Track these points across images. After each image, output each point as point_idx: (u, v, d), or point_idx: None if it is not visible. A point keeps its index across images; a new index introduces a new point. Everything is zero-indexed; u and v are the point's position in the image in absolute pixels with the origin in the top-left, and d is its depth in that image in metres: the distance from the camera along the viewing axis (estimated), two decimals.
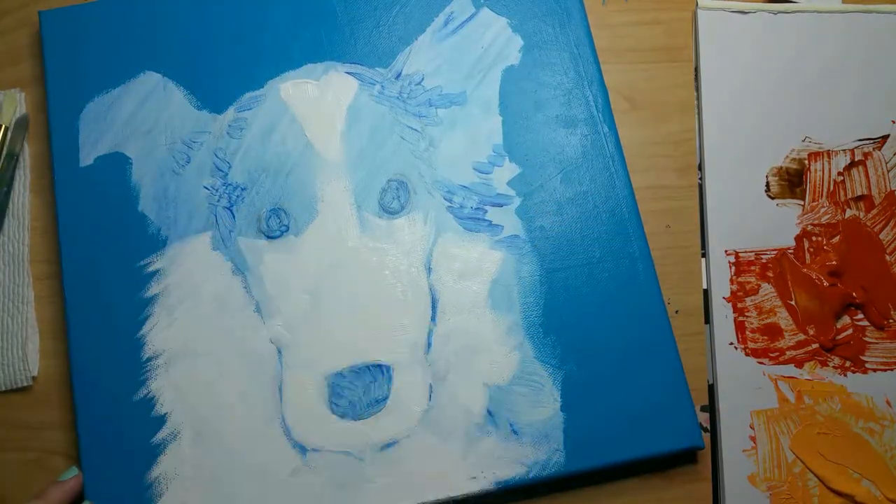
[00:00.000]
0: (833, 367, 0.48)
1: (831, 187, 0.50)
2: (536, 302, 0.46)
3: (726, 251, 0.49)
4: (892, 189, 0.50)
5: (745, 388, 0.47)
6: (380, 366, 0.44)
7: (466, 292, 0.46)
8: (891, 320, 0.49)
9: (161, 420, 0.44)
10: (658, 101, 0.52)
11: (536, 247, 0.47)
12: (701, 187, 0.51)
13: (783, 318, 0.48)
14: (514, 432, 0.44)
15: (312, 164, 0.48)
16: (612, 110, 0.49)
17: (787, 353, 0.48)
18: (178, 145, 0.48)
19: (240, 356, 0.45)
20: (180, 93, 0.49)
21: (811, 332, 0.48)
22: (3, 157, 0.50)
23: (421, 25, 0.50)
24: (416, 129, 0.49)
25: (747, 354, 0.48)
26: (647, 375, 0.45)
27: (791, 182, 0.50)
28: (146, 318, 0.46)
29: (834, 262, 0.49)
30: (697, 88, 0.52)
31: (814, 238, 0.50)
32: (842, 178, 0.51)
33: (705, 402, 0.48)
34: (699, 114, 0.52)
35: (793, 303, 0.49)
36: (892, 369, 0.48)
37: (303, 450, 0.44)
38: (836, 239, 0.50)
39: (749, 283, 0.49)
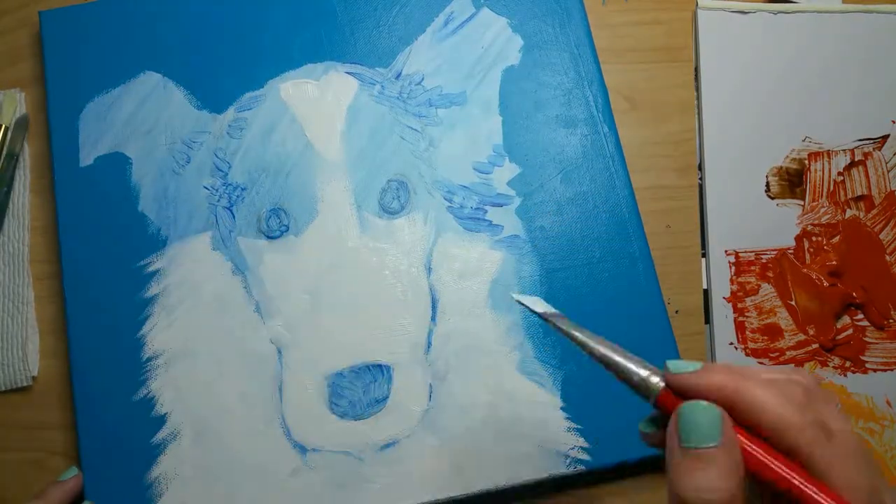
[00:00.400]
0: (833, 367, 0.48)
1: (831, 187, 0.50)
2: None
3: (726, 251, 0.49)
4: (893, 189, 0.50)
5: None
6: (380, 366, 0.44)
7: (466, 292, 0.46)
8: (891, 320, 0.49)
9: (161, 420, 0.44)
10: (658, 101, 0.52)
11: (536, 247, 0.47)
12: (701, 187, 0.51)
13: (783, 319, 0.48)
14: (514, 433, 0.44)
15: (312, 164, 0.48)
16: (613, 110, 0.49)
17: (788, 353, 0.48)
18: (178, 145, 0.48)
19: (240, 356, 0.45)
20: (180, 93, 0.49)
21: (811, 332, 0.48)
22: (2, 157, 0.50)
23: (421, 25, 0.50)
24: (416, 129, 0.49)
25: (747, 355, 0.48)
26: None
27: (791, 182, 0.50)
28: (146, 318, 0.46)
29: (834, 263, 0.49)
30: (697, 88, 0.52)
31: (814, 238, 0.50)
32: (842, 178, 0.51)
33: None
34: (699, 114, 0.52)
35: (793, 303, 0.49)
36: (892, 369, 0.48)
37: (303, 450, 0.44)
38: (837, 239, 0.50)
39: (749, 283, 0.49)
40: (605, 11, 0.54)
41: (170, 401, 0.44)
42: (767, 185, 0.50)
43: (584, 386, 0.44)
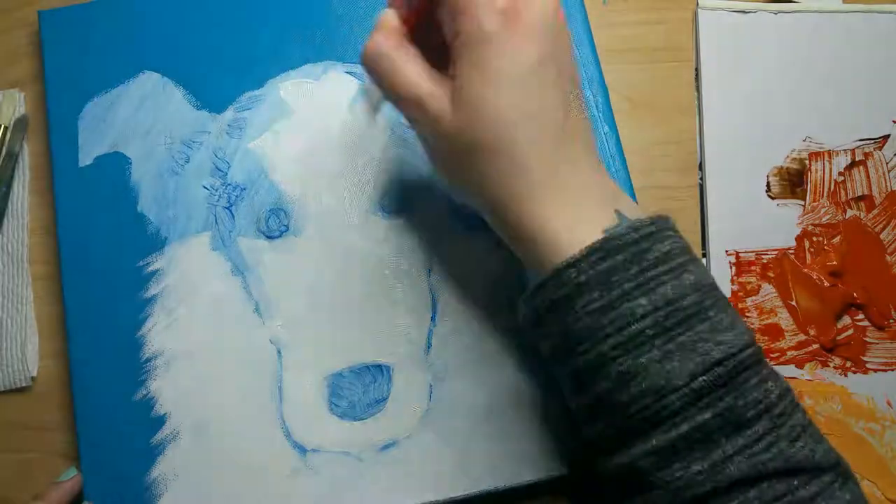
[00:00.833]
0: (834, 367, 0.48)
1: (832, 187, 0.50)
2: None
3: (727, 251, 0.49)
4: (893, 189, 0.50)
5: None
6: (380, 366, 0.44)
7: (467, 292, 0.46)
8: (891, 320, 0.48)
9: (160, 420, 0.44)
10: (659, 101, 0.52)
11: None
12: (701, 187, 0.51)
13: (784, 319, 0.48)
14: (515, 433, 0.44)
15: (312, 164, 0.48)
16: (613, 110, 0.49)
17: (788, 353, 0.48)
18: (178, 145, 0.48)
19: (239, 356, 0.45)
20: (180, 93, 0.49)
21: (812, 332, 0.48)
22: (2, 157, 0.49)
23: None
24: None
25: None
26: None
27: (792, 182, 0.50)
28: (145, 319, 0.46)
29: (835, 263, 0.49)
30: (698, 88, 0.52)
31: (814, 238, 0.49)
32: (842, 178, 0.51)
33: None
34: (700, 114, 0.51)
35: (793, 303, 0.48)
36: (892, 370, 0.48)
37: (302, 450, 0.44)
38: (837, 239, 0.50)
39: (750, 283, 0.49)
40: (605, 11, 0.53)
41: (169, 401, 0.44)
42: (768, 185, 0.50)
43: None
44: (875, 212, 0.50)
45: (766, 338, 0.48)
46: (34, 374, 0.48)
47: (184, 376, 0.45)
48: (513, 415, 0.44)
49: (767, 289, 0.49)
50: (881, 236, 0.50)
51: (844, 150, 0.51)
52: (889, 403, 0.47)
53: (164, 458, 0.44)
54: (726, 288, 0.49)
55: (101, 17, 0.50)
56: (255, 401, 0.44)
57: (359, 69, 0.49)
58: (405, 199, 0.47)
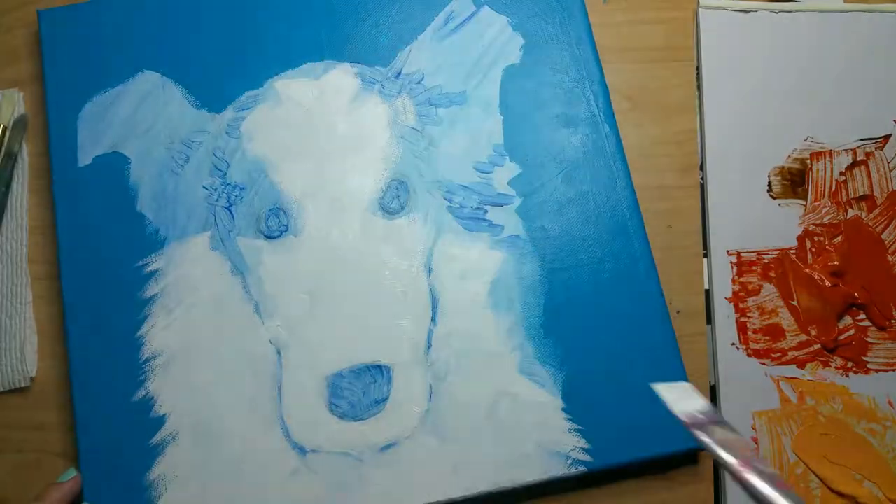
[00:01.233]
0: (835, 367, 0.48)
1: (833, 187, 0.50)
2: (537, 302, 0.46)
3: (728, 251, 0.49)
4: (895, 189, 0.50)
5: (746, 388, 0.47)
6: (379, 366, 0.44)
7: (466, 292, 0.46)
8: (893, 321, 0.48)
9: (160, 421, 0.44)
10: (659, 101, 0.52)
11: (537, 247, 0.47)
12: (703, 187, 0.51)
13: (785, 319, 0.48)
14: (515, 434, 0.44)
15: (312, 164, 0.47)
16: (614, 109, 0.49)
17: (789, 353, 0.48)
18: (177, 145, 0.48)
19: (239, 357, 0.45)
20: (179, 92, 0.49)
21: (813, 332, 0.48)
22: (1, 157, 0.49)
23: (421, 24, 0.50)
24: (416, 129, 0.48)
25: (749, 355, 0.48)
26: (648, 376, 0.44)
27: (793, 182, 0.50)
28: (145, 319, 0.46)
29: (836, 263, 0.49)
30: (699, 88, 0.52)
31: (816, 238, 0.49)
32: (844, 178, 0.50)
33: None
34: (701, 113, 0.51)
35: (795, 303, 0.48)
36: (894, 370, 0.48)
37: (302, 451, 0.44)
38: (839, 239, 0.49)
39: (751, 283, 0.49)
40: (606, 10, 0.53)
41: (169, 401, 0.44)
42: (769, 184, 0.50)
43: (585, 387, 0.44)
44: (876, 211, 0.50)
45: (768, 338, 0.48)
46: (34, 374, 0.48)
47: (183, 376, 0.45)
48: (513, 415, 0.44)
49: (769, 289, 0.49)
50: (882, 236, 0.50)
51: (846, 149, 0.51)
52: (890, 403, 0.47)
53: (163, 458, 0.44)
54: (727, 288, 0.48)
55: (100, 17, 0.50)
56: (255, 401, 0.44)
57: (358, 68, 0.49)
58: (405, 199, 0.47)
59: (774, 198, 0.50)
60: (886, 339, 0.48)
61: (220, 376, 0.45)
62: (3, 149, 0.49)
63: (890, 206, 0.50)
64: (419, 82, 0.49)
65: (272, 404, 0.44)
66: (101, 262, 0.46)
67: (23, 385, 0.47)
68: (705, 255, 0.50)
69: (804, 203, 0.50)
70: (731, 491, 0.45)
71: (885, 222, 0.50)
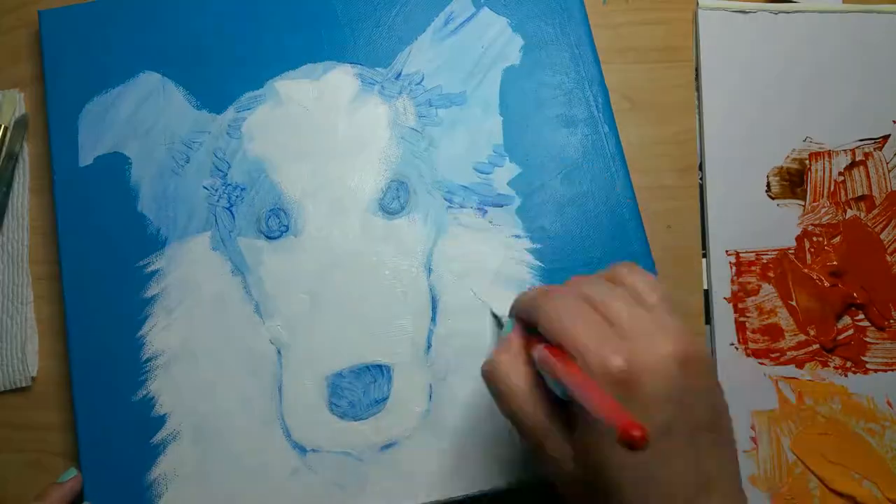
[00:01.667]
0: (834, 367, 0.48)
1: (832, 187, 0.50)
2: None
3: (727, 251, 0.49)
4: (893, 189, 0.50)
5: (745, 388, 0.47)
6: (380, 366, 0.44)
7: (466, 292, 0.46)
8: (891, 321, 0.48)
9: (160, 420, 0.44)
10: (659, 101, 0.52)
11: (537, 247, 0.47)
12: (702, 187, 0.51)
13: (784, 319, 0.48)
14: (515, 433, 0.44)
15: (312, 164, 0.48)
16: (613, 110, 0.49)
17: (788, 353, 0.48)
18: (178, 145, 0.48)
19: (239, 356, 0.45)
20: (180, 93, 0.49)
21: (812, 332, 0.48)
22: (2, 157, 0.49)
23: (421, 25, 0.50)
24: (416, 129, 0.48)
25: (748, 355, 0.48)
26: None
27: (792, 182, 0.50)
28: (145, 319, 0.46)
29: (835, 263, 0.49)
30: (698, 88, 0.52)
31: (815, 238, 0.49)
32: (843, 178, 0.50)
33: None
34: (700, 114, 0.51)
35: (793, 303, 0.48)
36: (892, 370, 0.48)
37: (302, 450, 0.44)
38: (837, 239, 0.50)
39: (750, 283, 0.49)
40: (605, 11, 0.53)
41: (169, 401, 0.44)
42: (768, 185, 0.50)
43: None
44: (875, 212, 0.50)
45: (767, 338, 0.48)
46: (34, 374, 0.48)
47: (184, 376, 0.45)
48: None
49: (767, 289, 0.49)
50: (881, 236, 0.50)
51: (844, 150, 0.51)
52: (889, 403, 0.47)
53: (164, 458, 0.44)
54: (726, 288, 0.49)
55: (101, 16, 0.50)
56: (256, 401, 0.44)
57: (358, 69, 0.49)
58: (405, 200, 0.47)
59: (773, 198, 0.50)
60: (885, 339, 0.48)
61: (221, 376, 0.45)
62: (4, 149, 0.49)
63: (889, 206, 0.50)
64: (419, 83, 0.49)
65: (272, 404, 0.44)
66: (101, 262, 0.46)
67: (23, 385, 0.47)
68: (704, 256, 0.50)
69: (803, 203, 0.50)
70: None
71: (884, 222, 0.50)
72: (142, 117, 0.49)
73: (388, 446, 0.44)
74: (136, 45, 0.50)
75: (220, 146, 0.48)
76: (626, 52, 0.53)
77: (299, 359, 0.45)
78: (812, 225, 0.50)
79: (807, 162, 0.51)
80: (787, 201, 0.50)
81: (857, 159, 0.51)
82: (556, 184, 0.48)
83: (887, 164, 0.51)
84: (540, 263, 0.46)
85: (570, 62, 0.50)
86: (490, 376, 0.35)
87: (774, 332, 0.48)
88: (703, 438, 0.31)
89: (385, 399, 0.44)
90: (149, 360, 0.45)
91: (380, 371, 0.44)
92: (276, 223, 0.47)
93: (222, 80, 0.49)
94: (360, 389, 0.44)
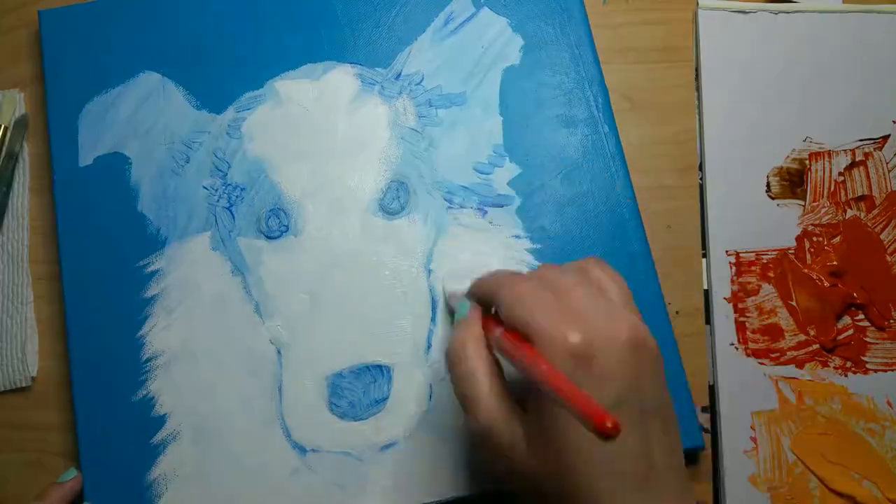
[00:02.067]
0: (834, 367, 0.48)
1: (832, 187, 0.50)
2: None
3: (727, 251, 0.49)
4: (893, 189, 0.50)
5: (745, 388, 0.47)
6: (380, 366, 0.44)
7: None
8: (891, 321, 0.48)
9: (160, 420, 0.44)
10: (659, 101, 0.52)
11: (537, 247, 0.47)
12: (701, 187, 0.51)
13: (784, 319, 0.48)
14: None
15: (312, 164, 0.48)
16: (613, 110, 0.49)
17: (788, 353, 0.48)
18: (178, 145, 0.48)
19: (239, 356, 0.45)
20: (180, 93, 0.49)
21: (812, 332, 0.48)
22: (2, 157, 0.49)
23: (421, 25, 0.50)
24: (416, 130, 0.48)
25: (748, 355, 0.48)
26: None
27: (792, 182, 0.50)
28: (146, 319, 0.46)
29: (835, 263, 0.49)
30: (698, 88, 0.52)
31: (815, 238, 0.49)
32: (843, 178, 0.50)
33: (706, 402, 0.48)
34: (700, 114, 0.51)
35: (793, 303, 0.48)
36: (892, 370, 0.48)
37: (302, 450, 0.44)
38: (837, 239, 0.50)
39: (750, 283, 0.49)
40: (605, 11, 0.53)
41: (169, 401, 0.44)
42: (768, 185, 0.50)
43: None
44: (875, 212, 0.50)
45: (767, 338, 0.48)
46: (34, 374, 0.48)
47: (184, 376, 0.45)
48: None
49: (767, 289, 0.49)
50: (881, 236, 0.50)
51: (844, 150, 0.51)
52: (889, 403, 0.47)
53: (164, 458, 0.44)
54: (726, 288, 0.49)
55: (100, 16, 0.50)
56: (255, 401, 0.44)
57: (358, 69, 0.49)
58: (405, 200, 0.47)
59: (773, 198, 0.50)
60: (885, 339, 0.48)
61: (221, 376, 0.45)
62: (4, 149, 0.49)
63: (889, 206, 0.50)
64: (419, 83, 0.49)
65: (272, 404, 0.44)
66: (101, 262, 0.46)
67: (23, 385, 0.47)
68: (704, 256, 0.50)
69: (803, 203, 0.50)
70: (731, 491, 0.45)
71: (884, 222, 0.50)
72: (142, 117, 0.49)
73: (388, 446, 0.44)
74: (136, 44, 0.50)
75: (220, 146, 0.48)
76: (626, 52, 0.53)
77: (299, 359, 0.45)
78: (812, 225, 0.50)
79: (807, 162, 0.51)
80: (787, 201, 0.50)
81: (857, 159, 0.51)
82: (556, 184, 0.48)
83: (887, 164, 0.51)
84: (540, 263, 0.46)
85: (570, 62, 0.50)
86: (455, 358, 0.35)
87: (774, 332, 0.48)
88: (652, 422, 0.32)
89: (385, 399, 0.44)
90: (149, 360, 0.45)
91: (380, 371, 0.44)
92: (276, 223, 0.47)
93: (222, 80, 0.49)
94: (360, 389, 0.44)
